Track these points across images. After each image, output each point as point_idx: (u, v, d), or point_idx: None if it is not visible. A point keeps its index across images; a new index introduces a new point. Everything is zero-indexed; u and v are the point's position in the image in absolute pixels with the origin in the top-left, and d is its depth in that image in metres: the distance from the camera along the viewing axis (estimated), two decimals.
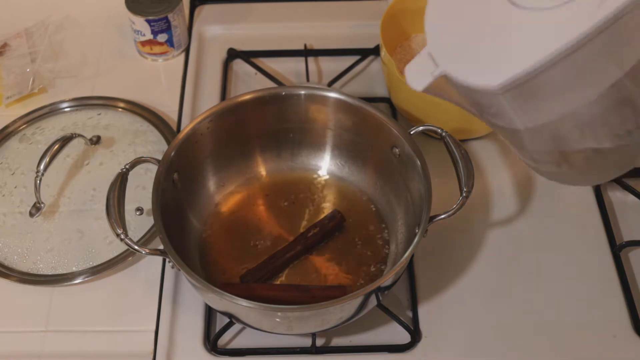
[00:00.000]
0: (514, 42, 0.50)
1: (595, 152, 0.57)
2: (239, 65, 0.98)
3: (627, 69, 0.49)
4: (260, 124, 0.80)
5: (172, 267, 0.71)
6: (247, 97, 0.78)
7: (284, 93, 0.78)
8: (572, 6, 0.47)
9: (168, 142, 0.85)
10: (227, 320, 0.71)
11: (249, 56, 0.97)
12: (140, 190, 0.81)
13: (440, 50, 0.56)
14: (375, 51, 0.96)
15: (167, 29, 0.94)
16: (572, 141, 0.56)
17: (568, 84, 0.51)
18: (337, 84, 0.93)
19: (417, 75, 0.57)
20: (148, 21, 0.92)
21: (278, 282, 0.75)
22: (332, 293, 0.70)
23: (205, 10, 1.04)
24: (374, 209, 0.80)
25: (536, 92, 0.51)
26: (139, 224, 0.79)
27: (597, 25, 0.45)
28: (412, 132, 0.73)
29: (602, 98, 0.51)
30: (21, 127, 0.88)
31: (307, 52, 0.97)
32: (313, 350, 0.71)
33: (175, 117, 0.90)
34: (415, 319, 0.73)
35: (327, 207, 0.80)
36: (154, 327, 0.73)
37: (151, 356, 0.71)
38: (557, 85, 0.51)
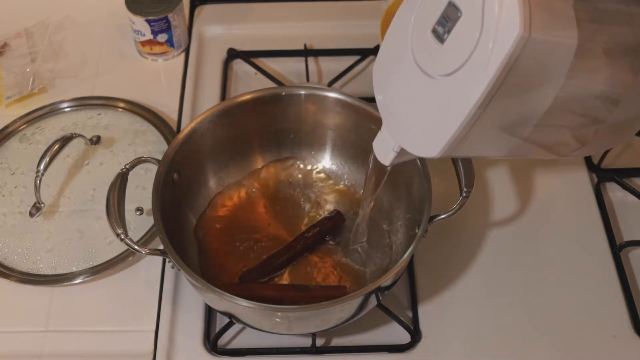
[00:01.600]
0: (438, 111, 0.53)
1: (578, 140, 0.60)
2: (239, 65, 0.98)
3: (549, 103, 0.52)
4: (260, 124, 0.80)
5: (172, 267, 0.71)
6: (247, 97, 0.78)
7: (284, 93, 0.78)
8: (466, 69, 0.50)
9: (168, 142, 0.85)
10: (227, 320, 0.71)
11: (249, 56, 0.97)
12: (140, 190, 0.81)
13: (390, 126, 0.61)
14: (375, 51, 0.96)
15: (167, 29, 0.94)
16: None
17: (497, 131, 0.54)
18: (337, 84, 0.93)
19: (382, 151, 0.63)
20: (148, 21, 0.92)
21: (278, 282, 0.75)
22: (332, 293, 0.70)
23: (205, 10, 1.04)
24: (374, 208, 0.80)
25: (485, 136, 0.54)
26: (139, 224, 0.79)
27: (492, 80, 0.48)
28: None
29: (544, 120, 0.54)
30: (21, 127, 0.88)
31: (307, 52, 0.97)
32: (313, 350, 0.71)
33: (175, 117, 0.90)
34: (415, 319, 0.73)
35: (327, 207, 0.80)
36: (154, 327, 0.73)
37: (151, 356, 0.71)
38: (492, 131, 0.54)
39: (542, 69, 0.49)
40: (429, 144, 0.55)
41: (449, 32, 0.51)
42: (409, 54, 0.55)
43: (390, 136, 0.61)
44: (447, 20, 0.51)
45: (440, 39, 0.52)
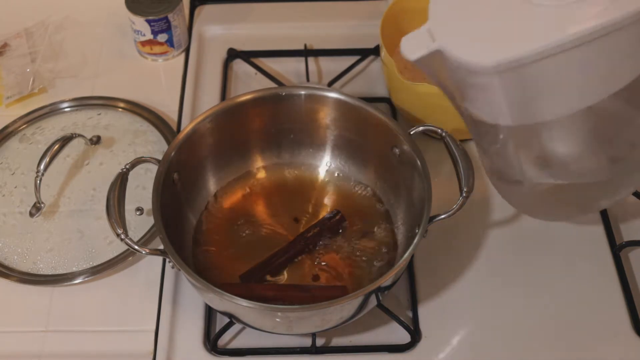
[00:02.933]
0: (516, 29, 0.50)
1: (581, 174, 0.58)
2: (239, 65, 0.98)
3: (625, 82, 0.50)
4: (260, 124, 0.80)
5: (172, 267, 0.71)
6: (247, 97, 0.78)
7: (284, 93, 0.78)
8: (583, 5, 0.47)
9: (168, 142, 0.85)
10: (227, 320, 0.71)
11: (249, 56, 0.97)
12: (140, 190, 0.81)
13: (440, 27, 0.56)
14: (375, 51, 0.96)
15: (167, 29, 0.94)
16: (557, 153, 0.57)
17: (567, 83, 0.51)
18: (337, 84, 0.93)
19: (413, 47, 0.58)
20: (148, 21, 0.92)
21: (278, 282, 0.75)
22: (332, 293, 0.70)
23: (205, 10, 1.04)
24: (374, 209, 0.80)
25: (536, 84, 0.51)
26: (139, 224, 0.79)
27: (602, 26, 0.46)
28: (412, 132, 0.73)
29: (601, 105, 0.52)
30: (21, 127, 0.88)
31: (307, 52, 0.97)
32: (313, 350, 0.71)
33: (175, 117, 0.90)
34: (415, 319, 0.73)
35: (327, 207, 0.80)
36: (154, 327, 0.73)
37: (151, 356, 0.71)
38: (557, 82, 0.51)
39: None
40: (487, 53, 0.50)
41: None
42: None
43: (435, 35, 0.56)
44: None
45: None
